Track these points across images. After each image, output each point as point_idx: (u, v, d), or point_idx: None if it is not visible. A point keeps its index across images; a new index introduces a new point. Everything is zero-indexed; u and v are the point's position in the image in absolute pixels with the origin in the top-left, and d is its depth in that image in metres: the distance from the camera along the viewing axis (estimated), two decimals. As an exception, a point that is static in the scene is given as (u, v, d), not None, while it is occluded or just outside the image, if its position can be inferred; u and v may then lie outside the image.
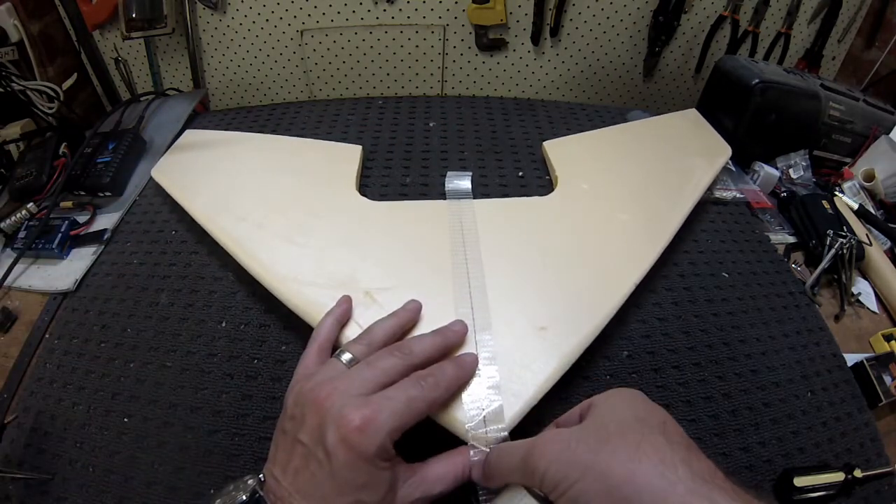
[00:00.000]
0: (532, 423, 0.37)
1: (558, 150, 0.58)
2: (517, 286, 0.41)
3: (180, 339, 0.43)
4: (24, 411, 0.42)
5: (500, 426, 0.33)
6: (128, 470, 0.37)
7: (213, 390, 0.40)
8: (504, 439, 0.32)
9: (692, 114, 0.67)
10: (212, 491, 0.34)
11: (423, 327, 0.38)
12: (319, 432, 0.26)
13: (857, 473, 0.37)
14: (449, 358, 0.34)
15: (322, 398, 0.27)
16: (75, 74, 0.82)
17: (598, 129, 0.63)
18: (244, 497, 0.26)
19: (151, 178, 0.56)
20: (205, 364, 0.41)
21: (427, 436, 0.36)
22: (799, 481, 0.36)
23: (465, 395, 0.34)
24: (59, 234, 0.53)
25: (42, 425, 0.40)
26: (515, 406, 0.33)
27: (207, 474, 0.36)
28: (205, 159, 0.57)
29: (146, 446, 0.38)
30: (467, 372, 0.33)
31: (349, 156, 0.57)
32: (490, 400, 0.33)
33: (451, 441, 0.34)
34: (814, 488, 0.36)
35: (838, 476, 0.37)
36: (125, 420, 0.39)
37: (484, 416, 0.33)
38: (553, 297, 0.40)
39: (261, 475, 0.28)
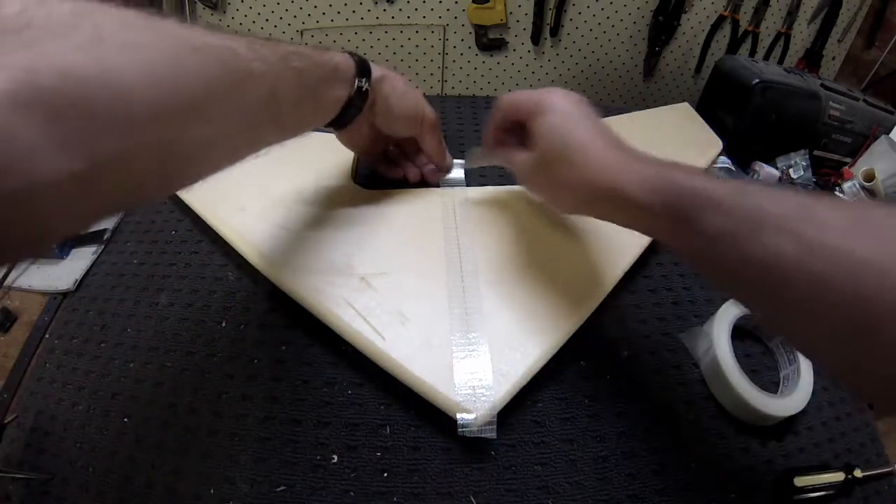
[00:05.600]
0: (524, 406, 0.38)
1: None
2: (508, 270, 0.42)
3: (180, 339, 0.43)
4: (24, 411, 0.42)
5: (489, 405, 0.34)
6: (127, 470, 0.36)
7: (212, 391, 0.40)
8: (493, 419, 0.34)
9: (684, 107, 0.67)
10: (211, 491, 0.35)
11: (417, 310, 0.39)
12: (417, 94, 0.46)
13: (857, 473, 0.37)
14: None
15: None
16: (75, 74, 0.82)
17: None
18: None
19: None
20: (204, 364, 0.41)
21: (417, 414, 0.37)
22: (799, 481, 0.36)
23: (456, 375, 0.35)
24: (59, 234, 0.53)
25: (42, 425, 0.40)
26: (505, 385, 0.35)
27: (207, 475, 0.36)
28: None
29: (146, 447, 0.37)
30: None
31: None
32: (480, 379, 0.35)
33: (442, 419, 0.34)
34: (814, 488, 0.36)
35: (838, 476, 0.37)
36: (125, 420, 0.39)
37: (474, 395, 0.34)
38: (544, 281, 0.41)
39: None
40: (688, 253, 0.29)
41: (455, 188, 0.51)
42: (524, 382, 0.36)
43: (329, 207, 0.48)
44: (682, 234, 0.28)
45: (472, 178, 0.56)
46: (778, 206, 0.24)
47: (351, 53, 0.38)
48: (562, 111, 0.35)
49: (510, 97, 0.39)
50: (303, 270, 0.42)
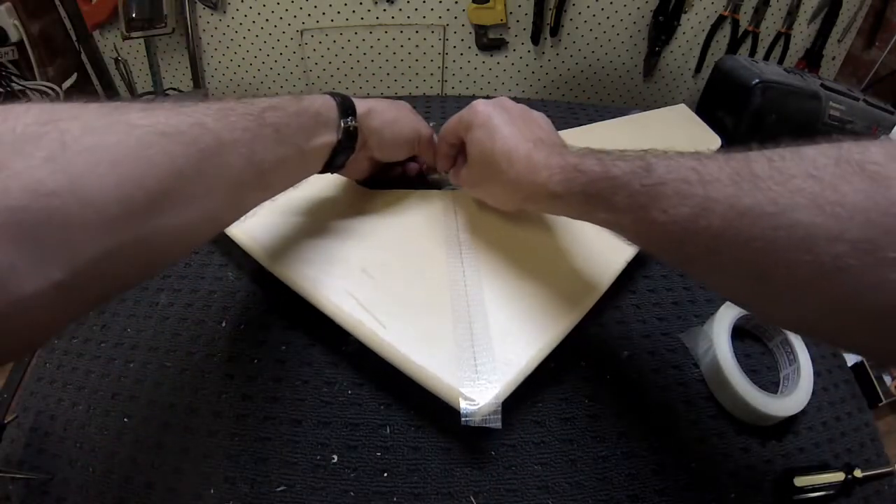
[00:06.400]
0: (524, 406, 0.38)
1: None
2: (510, 262, 0.42)
3: (180, 339, 0.43)
4: (24, 411, 0.42)
5: (493, 393, 0.33)
6: (127, 471, 0.36)
7: (212, 391, 0.40)
8: (497, 408, 0.33)
9: (682, 108, 0.67)
10: (211, 491, 0.35)
11: (419, 300, 0.39)
12: (408, 117, 0.46)
13: (857, 473, 0.37)
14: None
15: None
16: (75, 74, 0.83)
17: (589, 125, 0.63)
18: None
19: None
20: (204, 365, 0.41)
21: (417, 414, 0.37)
22: (799, 481, 0.36)
23: (459, 364, 0.35)
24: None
25: (42, 425, 0.40)
26: (508, 374, 0.35)
27: (207, 475, 0.36)
28: None
29: (145, 447, 0.37)
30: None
31: None
32: (483, 368, 0.35)
33: (442, 419, 0.35)
34: (814, 488, 0.36)
35: (838, 476, 0.37)
36: (125, 420, 0.39)
37: (477, 384, 0.34)
38: (545, 273, 0.42)
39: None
40: (613, 230, 0.32)
41: (457, 188, 0.51)
42: (528, 371, 0.35)
43: (330, 205, 0.48)
44: (603, 215, 0.31)
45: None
46: (673, 173, 0.27)
47: (332, 94, 0.38)
48: (483, 123, 0.37)
49: (445, 125, 0.42)
50: (303, 262, 0.42)
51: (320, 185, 0.51)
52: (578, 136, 0.61)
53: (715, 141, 0.60)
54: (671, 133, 0.62)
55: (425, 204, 0.48)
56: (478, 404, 0.33)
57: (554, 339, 0.37)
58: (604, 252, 0.44)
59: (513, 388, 0.34)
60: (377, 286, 0.40)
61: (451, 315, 0.38)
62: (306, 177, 0.38)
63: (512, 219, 0.47)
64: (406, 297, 0.39)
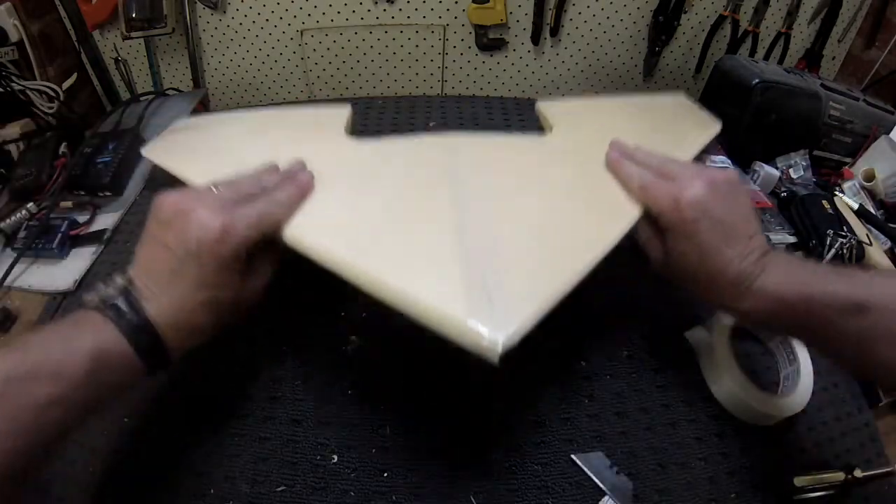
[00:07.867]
0: (524, 406, 0.38)
1: (552, 108, 0.57)
2: (513, 215, 0.37)
3: (180, 339, 0.43)
4: (23, 411, 0.41)
5: (516, 324, 0.27)
6: (127, 471, 0.36)
7: (212, 391, 0.40)
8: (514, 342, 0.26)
9: (681, 97, 0.66)
10: (211, 491, 0.35)
11: (423, 244, 0.33)
12: (184, 237, 0.30)
13: (857, 473, 0.37)
14: (289, 178, 0.37)
15: (188, 209, 0.31)
16: (75, 74, 0.82)
17: (592, 97, 0.62)
18: (114, 292, 0.30)
19: (151, 178, 0.56)
20: (204, 365, 0.41)
21: (417, 414, 0.37)
22: (799, 481, 0.36)
23: (466, 290, 0.29)
24: (59, 234, 0.52)
25: (42, 425, 0.40)
26: (534, 302, 0.29)
27: (207, 475, 0.36)
28: (198, 136, 0.56)
29: (145, 447, 0.37)
30: (305, 189, 0.37)
31: (339, 112, 0.53)
32: (498, 295, 0.29)
33: (444, 410, 0.34)
34: (814, 488, 0.36)
35: (838, 476, 0.37)
36: (125, 420, 0.39)
37: (492, 312, 0.28)
38: (550, 225, 0.36)
39: (128, 275, 0.32)
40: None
41: (454, 135, 0.48)
42: (547, 306, 0.29)
43: (325, 161, 0.42)
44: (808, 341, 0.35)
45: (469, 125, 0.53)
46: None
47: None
48: (692, 232, 0.34)
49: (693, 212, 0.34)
50: (301, 227, 0.36)
51: (314, 143, 0.46)
52: (584, 102, 0.59)
53: (714, 123, 0.57)
54: (673, 112, 0.60)
55: (423, 152, 0.45)
56: (497, 339, 0.26)
57: (570, 278, 0.31)
58: (609, 206, 0.39)
59: (537, 317, 0.28)
60: (380, 235, 0.34)
61: (459, 254, 0.32)
62: None
63: (513, 169, 0.42)
64: (409, 242, 0.34)
